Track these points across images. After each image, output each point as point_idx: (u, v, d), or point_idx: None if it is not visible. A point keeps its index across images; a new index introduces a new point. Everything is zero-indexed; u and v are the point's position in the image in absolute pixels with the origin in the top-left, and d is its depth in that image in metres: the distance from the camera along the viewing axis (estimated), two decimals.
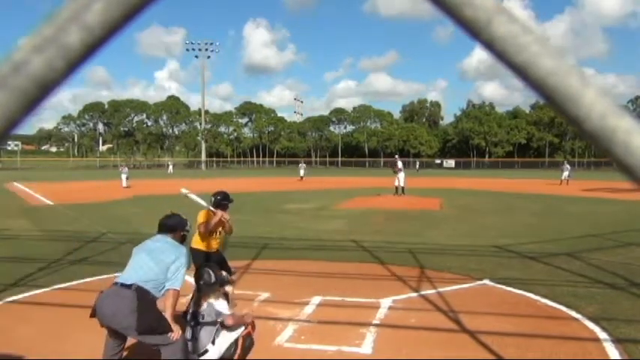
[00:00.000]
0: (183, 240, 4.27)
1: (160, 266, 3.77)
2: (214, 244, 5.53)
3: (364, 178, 41.83)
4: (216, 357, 4.03)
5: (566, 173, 32.31)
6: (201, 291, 4.21)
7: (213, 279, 4.20)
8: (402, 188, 21.57)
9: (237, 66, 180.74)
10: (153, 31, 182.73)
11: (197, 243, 5.42)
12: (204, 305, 4.12)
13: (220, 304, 4.13)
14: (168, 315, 3.73)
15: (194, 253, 5.31)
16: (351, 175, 50.97)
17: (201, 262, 5.06)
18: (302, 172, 37.57)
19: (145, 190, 25.01)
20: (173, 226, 4.17)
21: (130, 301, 3.53)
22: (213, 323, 4.09)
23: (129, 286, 3.61)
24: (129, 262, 3.89)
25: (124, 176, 26.53)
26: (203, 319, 4.12)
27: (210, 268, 4.33)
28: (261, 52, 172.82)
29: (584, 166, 76.48)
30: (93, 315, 3.66)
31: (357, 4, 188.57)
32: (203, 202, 5.34)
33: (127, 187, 24.81)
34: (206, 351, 4.06)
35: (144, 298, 3.59)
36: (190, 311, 4.26)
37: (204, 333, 4.10)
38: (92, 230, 11.67)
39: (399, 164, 22.04)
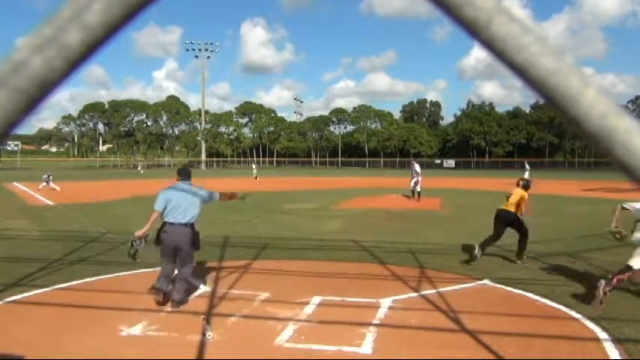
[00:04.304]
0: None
1: (199, 202, 5.89)
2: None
3: (364, 178, 41.85)
4: None
5: (527, 173, 32.70)
6: None
7: None
8: (418, 192, 20.08)
9: (235, 65, 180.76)
10: (150, 31, 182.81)
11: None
12: None
13: None
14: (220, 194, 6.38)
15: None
16: (351, 175, 50.99)
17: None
18: (254, 172, 39.65)
19: (145, 190, 25.01)
20: (190, 173, 6.26)
21: (189, 232, 5.75)
22: None
23: (185, 224, 5.71)
24: (172, 205, 5.71)
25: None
26: None
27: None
28: (258, 52, 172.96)
29: (584, 166, 76.46)
30: (158, 243, 5.76)
31: (354, 3, 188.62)
32: None
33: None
34: None
35: (193, 229, 5.82)
36: None
37: None
38: (92, 230, 11.67)
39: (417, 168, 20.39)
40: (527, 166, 33.73)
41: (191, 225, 5.76)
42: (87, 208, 16.78)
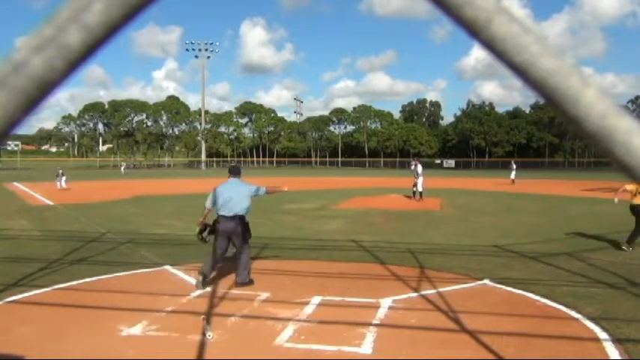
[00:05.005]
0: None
1: (248, 197, 6.61)
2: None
3: (364, 178, 41.85)
4: None
5: (513, 173, 32.95)
6: None
7: None
8: (420, 193, 19.87)
9: (235, 65, 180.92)
10: (149, 31, 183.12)
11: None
12: None
13: None
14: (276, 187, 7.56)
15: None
16: (351, 175, 50.97)
17: None
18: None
19: (143, 190, 25.02)
20: (240, 171, 6.94)
21: (238, 224, 6.48)
22: None
23: (233, 217, 6.45)
24: (222, 200, 6.47)
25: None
26: None
27: None
28: (258, 52, 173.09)
29: (584, 166, 76.46)
30: (212, 232, 6.58)
31: (354, 3, 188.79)
32: None
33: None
34: None
35: (243, 222, 6.59)
36: None
37: None
38: (92, 230, 11.67)
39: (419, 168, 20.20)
40: (514, 166, 34.03)
41: (241, 217, 6.52)
42: (87, 208, 16.78)
